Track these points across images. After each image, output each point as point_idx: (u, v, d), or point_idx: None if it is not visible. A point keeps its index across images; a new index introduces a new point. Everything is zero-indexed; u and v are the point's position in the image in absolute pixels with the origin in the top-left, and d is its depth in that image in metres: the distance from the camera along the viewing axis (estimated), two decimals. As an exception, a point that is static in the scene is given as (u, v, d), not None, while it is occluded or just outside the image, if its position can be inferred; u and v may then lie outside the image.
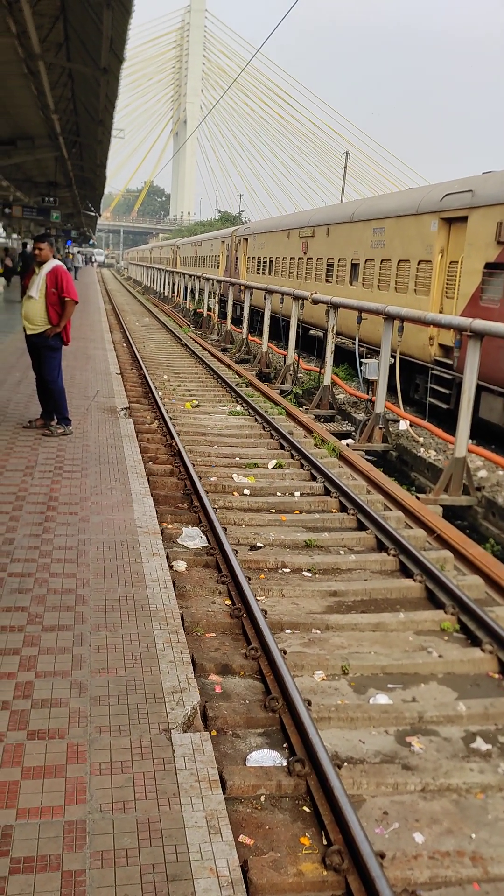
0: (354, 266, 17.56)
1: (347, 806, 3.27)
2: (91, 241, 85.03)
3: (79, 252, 60.65)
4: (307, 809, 3.47)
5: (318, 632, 5.27)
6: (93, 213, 46.55)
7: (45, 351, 8.24)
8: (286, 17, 15.70)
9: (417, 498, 8.42)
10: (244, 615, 5.16)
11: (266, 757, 3.81)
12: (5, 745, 3.13)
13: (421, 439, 11.37)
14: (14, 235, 40.24)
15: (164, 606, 4.49)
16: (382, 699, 4.50)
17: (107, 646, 3.97)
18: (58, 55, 13.45)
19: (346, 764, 3.84)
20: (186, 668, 3.83)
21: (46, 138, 20.93)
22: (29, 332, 8.22)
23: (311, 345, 19.98)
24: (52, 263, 8.14)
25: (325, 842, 3.23)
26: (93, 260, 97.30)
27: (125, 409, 10.00)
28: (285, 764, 3.73)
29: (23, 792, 2.86)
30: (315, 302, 14.94)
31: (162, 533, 6.41)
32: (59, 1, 11.26)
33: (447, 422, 11.92)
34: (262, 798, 3.52)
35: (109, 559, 5.09)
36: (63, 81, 15.56)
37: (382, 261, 15.74)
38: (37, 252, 8.15)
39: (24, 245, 31.17)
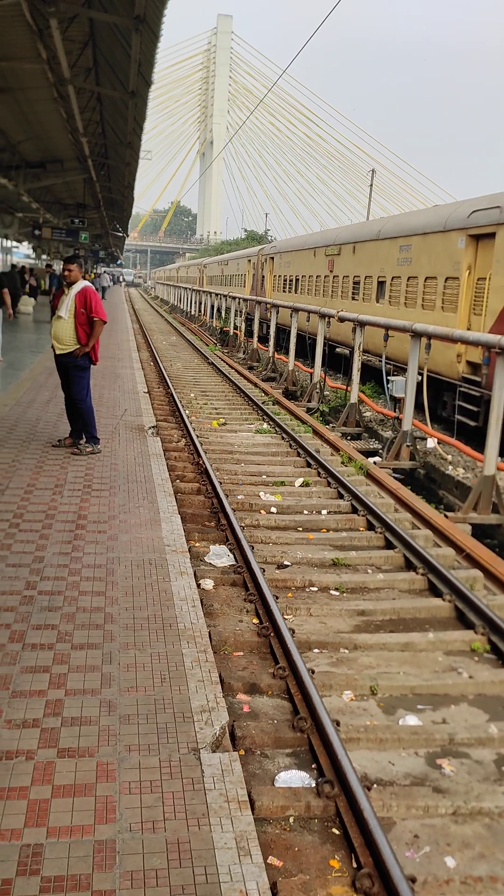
0: (381, 283, 17.57)
1: (377, 828, 3.23)
2: (119, 261, 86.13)
3: (105, 272, 61.44)
4: (336, 831, 3.43)
5: (347, 651, 5.23)
6: (120, 234, 47.24)
7: (73, 370, 8.35)
8: (313, 36, 15.88)
9: (446, 516, 8.34)
10: (272, 634, 5.14)
11: (295, 777, 3.79)
12: (36, 762, 3.15)
13: (449, 457, 11.29)
14: (44, 256, 40.97)
15: (192, 625, 4.49)
16: (412, 720, 4.45)
17: (135, 664, 3.98)
18: (87, 79, 13.74)
19: (375, 786, 3.80)
20: (215, 688, 3.83)
21: (75, 161, 21.35)
22: (58, 352, 8.34)
23: (337, 363, 19.99)
24: (82, 284, 8.27)
25: (354, 865, 3.20)
26: (121, 279, 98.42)
27: (153, 427, 10.08)
28: (314, 785, 3.70)
29: (53, 810, 2.88)
30: (341, 320, 14.96)
31: (189, 551, 6.43)
32: (88, 26, 11.51)
33: (475, 439, 11.83)
34: (291, 819, 3.50)
35: (138, 577, 5.11)
36: (92, 105, 15.87)
37: (409, 278, 15.73)
38: (66, 273, 8.29)
39: (49, 266, 31.61)
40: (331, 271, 21.83)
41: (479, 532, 8.50)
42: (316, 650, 5.21)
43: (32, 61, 12.16)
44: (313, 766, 3.89)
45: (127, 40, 9.81)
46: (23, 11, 9.95)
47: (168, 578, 5.14)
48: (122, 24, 9.45)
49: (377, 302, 17.68)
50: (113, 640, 4.21)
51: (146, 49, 9.76)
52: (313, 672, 4.70)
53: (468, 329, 12.88)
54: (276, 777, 3.80)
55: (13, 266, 31.51)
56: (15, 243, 44.25)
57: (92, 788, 3.01)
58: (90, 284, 8.41)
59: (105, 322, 8.35)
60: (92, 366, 8.53)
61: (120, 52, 11.08)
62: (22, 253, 55.26)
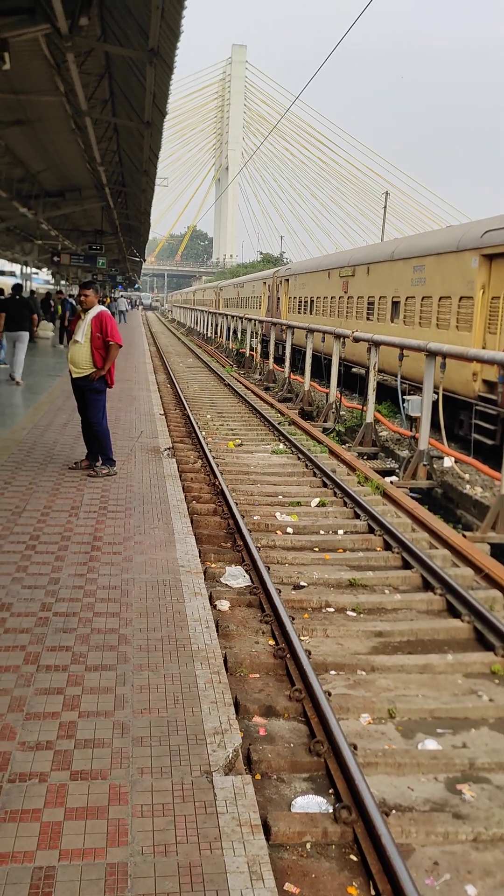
0: (395, 304, 17.61)
1: (396, 855, 3.17)
2: (136, 286, 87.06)
3: (122, 296, 62.08)
4: (354, 858, 3.37)
5: (364, 673, 5.17)
6: (138, 259, 47.85)
7: (89, 393, 8.42)
8: (325, 62, 16.08)
9: (464, 536, 8.27)
10: (288, 655, 5.11)
11: (311, 803, 3.74)
12: (49, 785, 3.13)
13: (466, 476, 11.21)
14: (63, 282, 41.54)
15: (205, 646, 4.47)
16: (431, 744, 4.38)
17: (149, 686, 3.96)
18: (103, 111, 13.99)
19: (394, 811, 3.74)
20: (228, 709, 3.80)
21: (93, 189, 21.73)
22: (74, 376, 8.42)
23: (353, 382, 19.99)
24: (97, 309, 8.36)
25: (373, 892, 3.14)
26: (139, 303, 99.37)
27: (168, 449, 10.11)
28: (331, 810, 3.65)
29: (65, 833, 2.85)
30: (356, 340, 14.99)
31: (205, 573, 6.42)
32: (104, 60, 11.75)
33: (493, 458, 11.73)
34: (308, 845, 3.45)
35: (152, 598, 5.11)
36: (108, 135, 16.16)
37: (423, 298, 15.76)
38: (82, 298, 8.39)
39: (59, 292, 31.79)
40: (345, 292, 21.92)
41: (498, 552, 8.40)
42: (332, 672, 5.15)
43: (51, 94, 12.44)
44: (330, 790, 3.84)
45: (142, 73, 10.00)
46: (41, 46, 10.20)
47: (182, 599, 5.13)
48: (137, 58, 9.64)
49: (392, 322, 17.71)
50: (127, 662, 4.20)
51: (160, 81, 9.95)
52: (330, 694, 4.65)
53: (483, 348, 12.85)
54: (293, 802, 3.75)
55: (32, 292, 31.92)
56: (34, 269, 44.88)
57: (104, 811, 2.99)
58: (105, 309, 8.50)
59: (120, 346, 8.42)
60: (108, 389, 8.59)
61: (135, 84, 11.29)
62: (41, 279, 56.02)
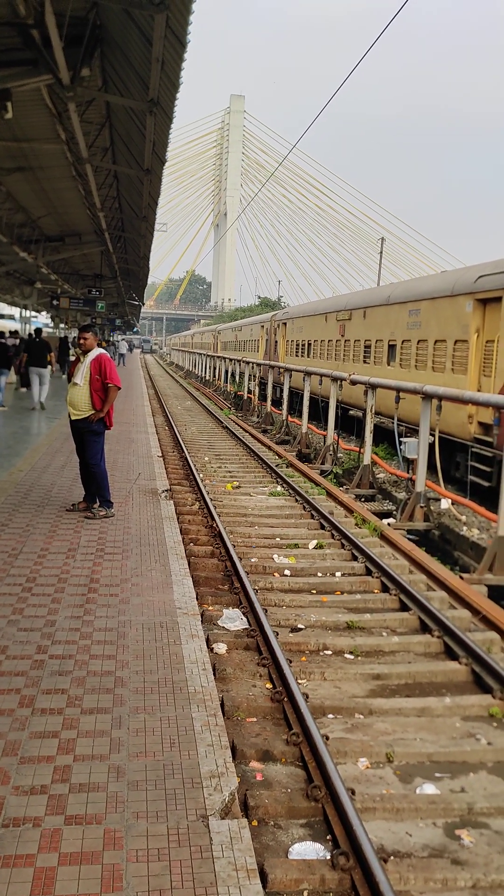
0: (391, 347, 17.82)
1: (394, 903, 3.12)
2: (135, 329, 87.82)
3: (122, 339, 62.77)
4: (352, 906, 3.31)
5: (362, 717, 5.13)
6: (136, 302, 48.51)
7: (88, 435, 8.48)
8: (321, 112, 16.57)
9: (461, 577, 8.26)
10: (285, 699, 5.07)
11: (309, 849, 3.69)
12: (43, 829, 3.09)
13: (463, 518, 11.22)
14: (62, 325, 42.03)
15: (202, 688, 4.44)
16: (429, 789, 4.33)
17: (145, 729, 3.93)
18: (104, 158, 14.36)
19: (392, 857, 3.69)
20: (224, 753, 3.76)
21: (93, 234, 22.17)
22: (73, 418, 8.49)
23: (350, 425, 20.11)
24: (96, 351, 8.48)
25: (370, 942, 3.08)
26: (139, 345, 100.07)
27: (166, 491, 10.13)
28: (329, 857, 3.60)
29: (59, 878, 2.81)
30: (353, 383, 15.14)
31: (202, 615, 6.40)
32: (105, 109, 12.11)
33: (489, 499, 11.77)
34: (306, 893, 3.40)
35: (149, 641, 5.09)
36: (109, 182, 16.55)
37: (419, 341, 15.97)
38: (81, 341, 8.51)
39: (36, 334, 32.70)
40: (342, 336, 22.19)
41: (496, 594, 8.38)
42: (330, 715, 5.11)
43: (52, 142, 12.81)
44: (328, 836, 3.79)
45: (142, 122, 10.31)
46: (43, 96, 10.54)
47: (179, 642, 5.11)
48: (138, 108, 9.95)
49: (388, 365, 17.90)
50: (123, 705, 4.17)
51: (160, 130, 10.26)
52: (328, 738, 4.61)
53: (478, 390, 12.98)
54: (290, 849, 3.70)
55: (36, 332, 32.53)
56: (34, 313, 45.46)
57: (99, 856, 2.95)
58: (104, 352, 8.62)
59: (119, 388, 8.51)
60: (106, 431, 8.66)
61: (135, 133, 11.62)
62: (41, 322, 56.70)
